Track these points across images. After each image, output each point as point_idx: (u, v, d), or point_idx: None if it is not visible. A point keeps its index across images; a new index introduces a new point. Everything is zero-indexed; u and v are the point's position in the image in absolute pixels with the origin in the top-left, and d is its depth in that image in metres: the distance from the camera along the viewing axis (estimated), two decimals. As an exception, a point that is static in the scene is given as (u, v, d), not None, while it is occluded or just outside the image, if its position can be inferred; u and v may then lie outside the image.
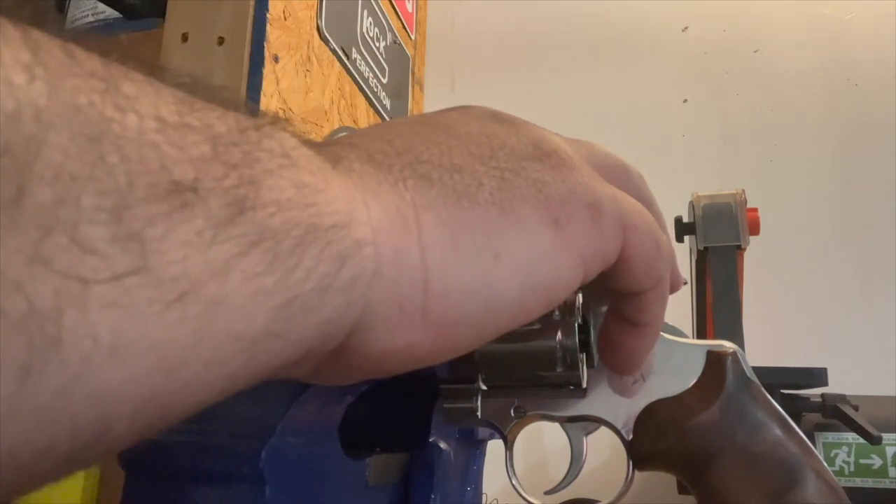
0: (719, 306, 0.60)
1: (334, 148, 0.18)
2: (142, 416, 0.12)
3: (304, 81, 0.68)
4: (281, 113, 0.63)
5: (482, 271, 0.18)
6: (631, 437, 0.29)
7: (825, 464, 0.28)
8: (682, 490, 0.59)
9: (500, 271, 0.18)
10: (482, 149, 0.20)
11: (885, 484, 0.57)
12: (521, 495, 0.31)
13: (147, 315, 0.11)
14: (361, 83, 0.80)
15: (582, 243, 0.20)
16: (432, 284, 0.17)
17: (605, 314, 0.27)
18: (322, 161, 0.16)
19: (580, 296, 0.29)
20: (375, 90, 0.84)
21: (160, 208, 0.12)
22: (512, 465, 0.31)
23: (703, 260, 0.63)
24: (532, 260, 0.19)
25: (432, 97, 1.03)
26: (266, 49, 0.61)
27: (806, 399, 0.57)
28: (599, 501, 0.30)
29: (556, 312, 0.28)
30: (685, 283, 0.33)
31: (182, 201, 0.12)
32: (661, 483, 0.66)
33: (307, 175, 0.15)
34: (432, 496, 0.31)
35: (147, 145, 0.12)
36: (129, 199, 0.11)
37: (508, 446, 0.31)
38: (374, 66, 0.84)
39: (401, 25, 0.95)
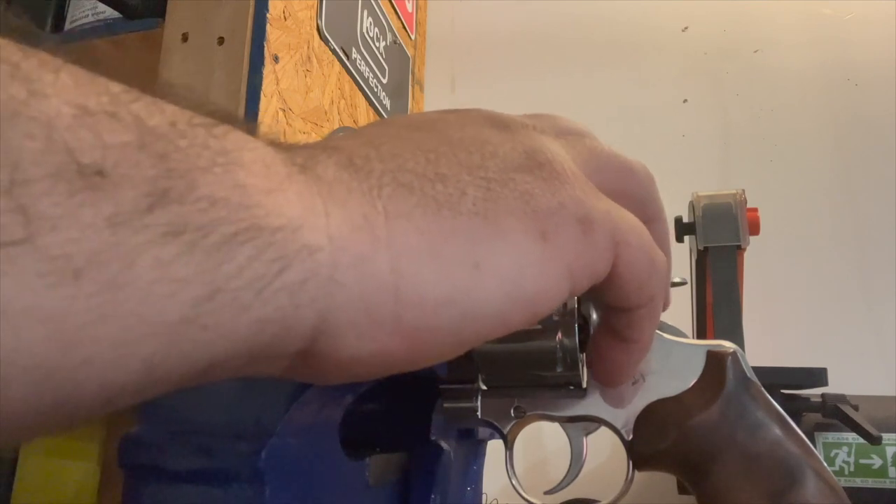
0: (719, 306, 0.60)
1: (314, 152, 0.18)
2: (42, 390, 0.12)
3: (304, 81, 0.68)
4: (281, 113, 0.63)
5: (461, 281, 0.18)
6: (631, 437, 0.29)
7: (825, 464, 0.28)
8: (682, 490, 0.59)
9: (481, 281, 0.18)
10: (472, 157, 0.20)
11: (885, 484, 0.57)
12: (521, 495, 0.31)
13: (37, 287, 0.12)
14: (361, 83, 0.80)
15: (570, 257, 0.20)
16: (405, 292, 0.17)
17: (595, 325, 0.27)
18: (284, 165, 0.17)
19: (576, 297, 0.29)
20: (375, 90, 0.84)
21: (60, 188, 0.12)
22: (512, 465, 0.31)
23: (703, 260, 0.63)
24: (515, 271, 0.19)
25: (432, 97, 1.03)
26: (266, 49, 0.61)
27: (806, 399, 0.57)
28: (599, 501, 0.30)
29: (556, 314, 0.28)
30: (685, 284, 0.33)
31: (88, 184, 0.12)
32: (661, 483, 0.66)
33: (252, 177, 0.15)
34: (432, 496, 0.31)
35: (59, 128, 0.12)
36: (25, 176, 0.12)
37: (508, 446, 0.31)
38: (374, 66, 0.84)
39: (401, 25, 0.95)
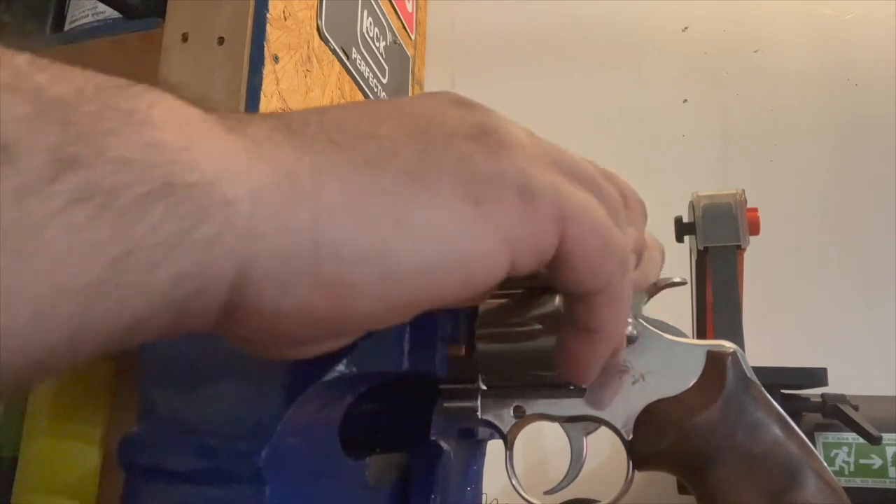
0: (719, 306, 0.60)
1: (252, 118, 0.18)
2: None
3: (304, 81, 0.68)
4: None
5: (380, 237, 0.18)
6: (631, 437, 0.29)
7: (825, 464, 0.28)
8: (682, 490, 0.59)
9: (400, 239, 0.18)
10: (417, 124, 0.20)
11: (885, 484, 0.57)
12: (521, 495, 0.31)
13: None
14: (361, 83, 0.80)
15: (507, 225, 0.19)
16: (323, 245, 0.17)
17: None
18: (206, 122, 0.17)
19: None
20: (375, 90, 0.84)
21: None
22: (512, 465, 0.31)
23: (703, 260, 0.63)
24: (440, 232, 0.18)
25: (432, 97, 1.03)
26: (266, 49, 0.61)
27: (806, 399, 0.57)
28: (599, 501, 0.30)
29: (556, 315, 0.28)
30: (685, 284, 0.33)
31: None
32: (661, 483, 0.66)
33: (166, 134, 0.15)
34: (432, 496, 0.31)
35: None
36: None
37: (508, 446, 0.31)
38: (374, 66, 0.84)
39: (401, 25, 0.95)
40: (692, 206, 0.65)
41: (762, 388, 0.29)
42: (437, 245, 0.18)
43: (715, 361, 0.29)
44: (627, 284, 0.23)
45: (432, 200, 0.18)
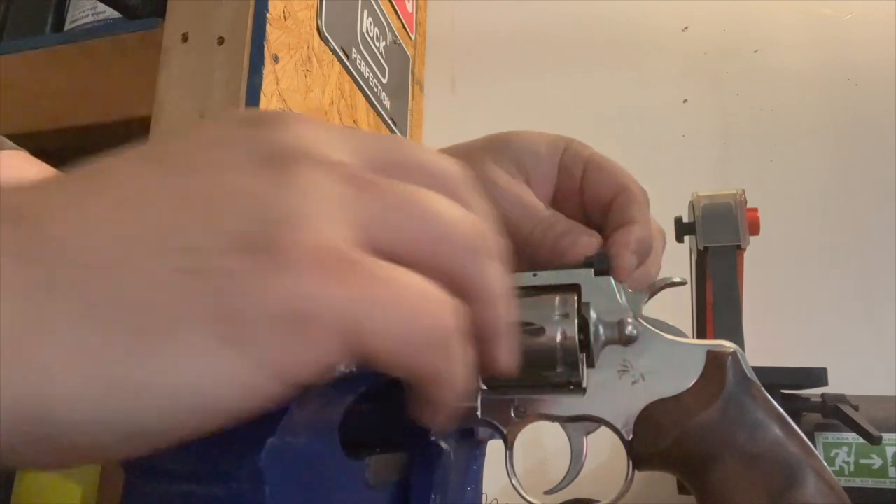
0: (719, 306, 0.60)
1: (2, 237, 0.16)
2: None
3: (304, 81, 0.68)
4: (281, 113, 0.63)
5: (108, 401, 0.16)
6: (631, 437, 0.29)
7: (825, 464, 0.28)
8: (682, 490, 0.59)
9: (140, 403, 0.16)
10: (187, 230, 0.17)
11: (885, 484, 0.57)
12: (521, 495, 0.31)
13: None
14: (361, 83, 0.80)
15: (270, 360, 0.17)
16: (38, 417, 0.15)
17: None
18: None
19: (576, 297, 0.29)
20: (375, 90, 0.84)
21: None
22: (512, 465, 0.31)
23: (703, 260, 0.63)
24: (183, 387, 0.16)
25: (432, 97, 1.03)
26: (266, 49, 0.61)
27: (806, 399, 0.57)
28: (599, 501, 0.30)
29: (556, 314, 0.28)
30: (685, 284, 0.33)
31: None
32: (661, 483, 0.66)
33: None
34: (432, 496, 0.31)
35: None
36: None
37: (508, 446, 0.31)
38: (374, 66, 0.84)
39: (401, 25, 0.95)
40: (692, 206, 0.65)
41: (762, 388, 0.29)
42: (182, 400, 0.16)
43: (715, 361, 0.29)
44: (458, 366, 0.20)
45: (172, 355, 0.16)
